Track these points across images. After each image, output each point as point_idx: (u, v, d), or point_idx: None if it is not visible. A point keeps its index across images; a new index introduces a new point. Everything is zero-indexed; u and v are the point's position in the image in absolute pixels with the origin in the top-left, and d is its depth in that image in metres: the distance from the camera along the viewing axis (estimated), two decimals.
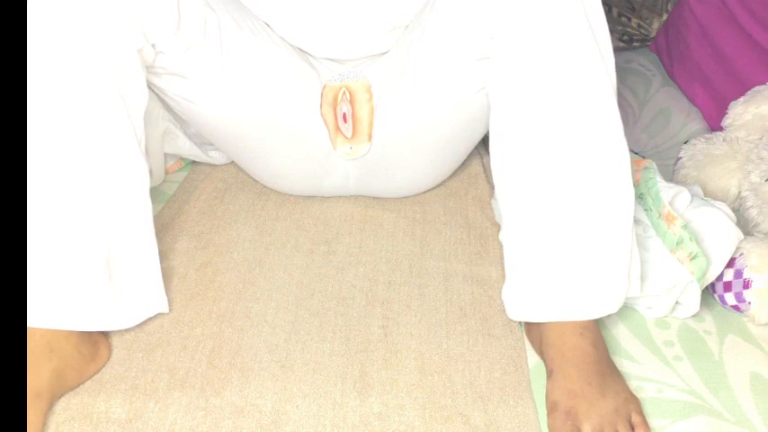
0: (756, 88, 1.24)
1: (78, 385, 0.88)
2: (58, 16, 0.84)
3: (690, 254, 0.96)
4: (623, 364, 0.93)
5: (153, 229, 0.95)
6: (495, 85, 0.92)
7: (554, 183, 0.89)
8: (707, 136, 1.25)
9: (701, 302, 0.98)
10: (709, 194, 1.12)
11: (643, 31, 1.66)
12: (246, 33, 1.04)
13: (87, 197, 0.88)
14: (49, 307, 0.87)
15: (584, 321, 0.91)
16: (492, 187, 1.00)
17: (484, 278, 1.06)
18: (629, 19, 1.66)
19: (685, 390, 0.90)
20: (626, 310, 0.98)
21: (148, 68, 0.97)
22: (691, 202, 1.02)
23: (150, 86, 1.01)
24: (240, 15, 1.04)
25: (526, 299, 0.93)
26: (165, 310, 0.98)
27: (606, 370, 0.89)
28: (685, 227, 0.97)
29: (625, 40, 1.67)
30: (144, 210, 0.94)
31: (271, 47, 1.06)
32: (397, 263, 1.09)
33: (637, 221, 0.97)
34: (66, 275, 0.88)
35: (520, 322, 0.98)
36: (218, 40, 1.00)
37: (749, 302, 0.98)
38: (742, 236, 1.00)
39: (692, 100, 1.48)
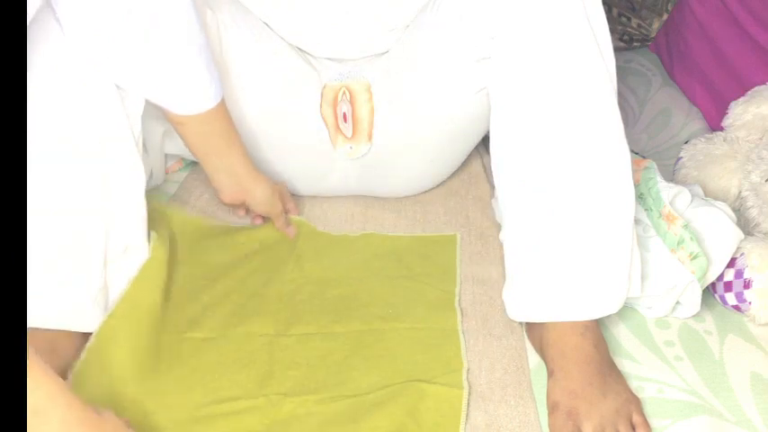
0: (757, 88, 1.24)
1: None
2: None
3: (690, 254, 0.96)
4: (624, 364, 0.93)
5: (146, 230, 0.95)
6: (495, 85, 0.92)
7: (554, 183, 0.89)
8: (707, 136, 1.25)
9: (702, 302, 0.98)
10: (709, 194, 1.12)
11: (643, 31, 1.66)
12: (246, 33, 1.04)
13: (85, 197, 0.88)
14: (51, 307, 0.87)
15: (585, 321, 0.91)
16: (492, 187, 1.00)
17: (484, 278, 1.05)
18: (630, 19, 1.66)
19: (686, 390, 0.90)
20: (626, 309, 0.97)
21: None
22: (691, 201, 1.02)
23: None
24: (240, 15, 1.04)
25: (527, 299, 0.93)
26: None
27: (607, 370, 0.89)
28: (686, 227, 0.97)
29: (625, 39, 1.67)
30: (139, 210, 0.94)
31: (270, 47, 1.06)
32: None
33: (637, 221, 0.97)
34: (67, 275, 0.88)
35: (521, 322, 0.98)
36: (218, 40, 1.00)
37: (750, 302, 0.98)
38: (742, 236, 1.00)
39: (692, 100, 1.48)
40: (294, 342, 0.94)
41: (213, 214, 1.17)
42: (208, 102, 0.96)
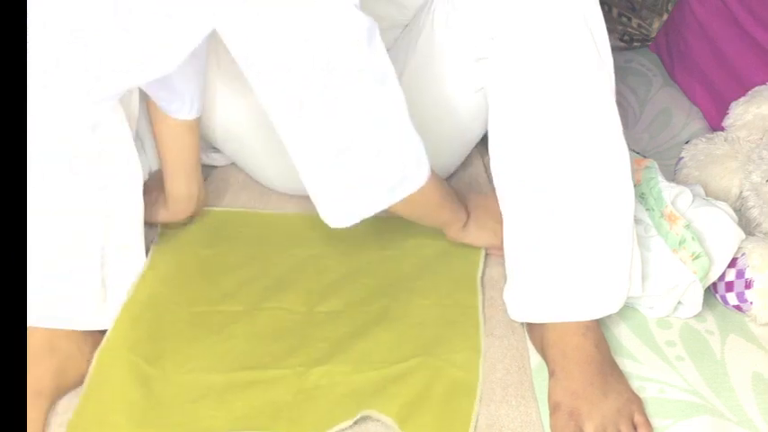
0: (757, 88, 1.24)
1: (80, 384, 0.88)
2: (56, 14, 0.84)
3: (692, 254, 0.96)
4: (625, 364, 0.93)
5: (142, 229, 0.96)
6: (494, 85, 0.92)
7: (554, 183, 0.89)
8: (708, 136, 1.25)
9: (703, 302, 0.98)
10: (710, 194, 1.12)
11: (643, 31, 1.66)
12: None
13: (84, 196, 0.88)
14: (49, 306, 0.87)
15: (586, 321, 0.91)
16: (493, 187, 1.00)
17: (485, 278, 1.05)
18: (630, 19, 1.66)
19: (687, 390, 0.90)
20: (627, 309, 0.97)
21: None
22: (692, 201, 1.02)
23: None
24: None
25: (528, 299, 0.93)
26: None
27: (608, 370, 0.89)
28: (688, 226, 0.97)
29: (625, 39, 1.66)
30: (136, 210, 0.94)
31: None
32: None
33: (638, 221, 0.97)
34: (66, 274, 0.88)
35: (522, 322, 0.97)
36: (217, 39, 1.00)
37: (751, 302, 0.98)
38: (743, 236, 1.00)
39: (692, 100, 1.48)
40: (323, 319, 0.97)
41: None
42: (195, 112, 0.99)
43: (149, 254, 1.02)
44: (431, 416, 0.85)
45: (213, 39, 0.98)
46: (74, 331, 0.88)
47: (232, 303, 0.99)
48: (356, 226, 1.08)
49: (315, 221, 1.08)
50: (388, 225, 1.10)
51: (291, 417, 0.85)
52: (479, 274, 1.04)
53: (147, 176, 1.02)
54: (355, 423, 0.84)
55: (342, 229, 1.07)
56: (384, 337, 0.94)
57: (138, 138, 1.01)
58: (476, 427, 0.84)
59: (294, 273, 1.04)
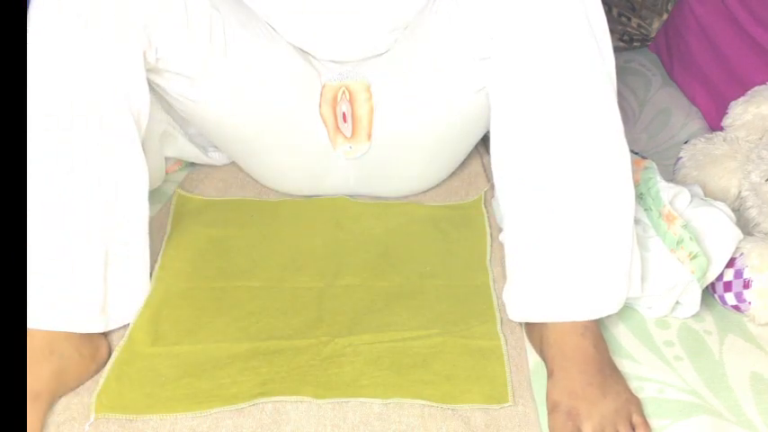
0: (757, 88, 1.24)
1: (78, 386, 0.88)
2: (64, 15, 0.85)
3: (690, 253, 0.96)
4: (624, 364, 0.93)
5: (147, 231, 0.96)
6: (495, 85, 0.92)
7: (554, 183, 0.89)
8: (707, 136, 1.25)
9: (702, 302, 0.98)
10: (709, 194, 1.12)
11: (643, 31, 1.66)
12: (250, 34, 1.04)
13: (87, 197, 0.89)
14: (49, 308, 0.87)
15: (585, 321, 0.91)
16: (492, 187, 1.00)
17: None
18: (630, 19, 1.66)
19: (686, 390, 0.90)
20: (626, 309, 0.97)
21: (152, 68, 0.97)
22: (690, 201, 1.02)
23: (152, 86, 1.00)
24: (244, 16, 1.04)
25: (527, 299, 0.93)
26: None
27: (607, 370, 0.89)
28: (685, 226, 0.97)
29: (625, 39, 1.67)
30: (140, 211, 0.94)
31: (273, 47, 1.06)
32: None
33: (637, 221, 0.97)
34: (66, 275, 0.88)
35: (521, 322, 0.98)
36: (223, 41, 1.00)
37: (749, 302, 0.98)
38: (741, 235, 1.00)
39: (691, 100, 1.48)
40: (340, 293, 1.02)
41: None
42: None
43: (162, 245, 1.06)
44: (466, 387, 0.88)
45: (217, 36, 0.99)
46: (73, 334, 0.88)
47: (250, 279, 1.03)
48: (361, 211, 1.14)
49: (321, 206, 1.16)
50: (392, 211, 1.16)
51: (318, 382, 0.88)
52: (488, 257, 1.07)
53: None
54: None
55: (347, 215, 1.14)
56: (401, 312, 0.98)
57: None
58: (512, 389, 0.88)
59: (306, 252, 1.08)
